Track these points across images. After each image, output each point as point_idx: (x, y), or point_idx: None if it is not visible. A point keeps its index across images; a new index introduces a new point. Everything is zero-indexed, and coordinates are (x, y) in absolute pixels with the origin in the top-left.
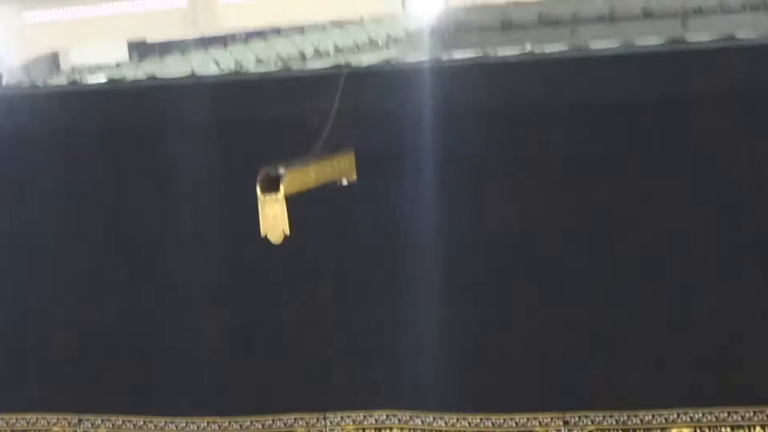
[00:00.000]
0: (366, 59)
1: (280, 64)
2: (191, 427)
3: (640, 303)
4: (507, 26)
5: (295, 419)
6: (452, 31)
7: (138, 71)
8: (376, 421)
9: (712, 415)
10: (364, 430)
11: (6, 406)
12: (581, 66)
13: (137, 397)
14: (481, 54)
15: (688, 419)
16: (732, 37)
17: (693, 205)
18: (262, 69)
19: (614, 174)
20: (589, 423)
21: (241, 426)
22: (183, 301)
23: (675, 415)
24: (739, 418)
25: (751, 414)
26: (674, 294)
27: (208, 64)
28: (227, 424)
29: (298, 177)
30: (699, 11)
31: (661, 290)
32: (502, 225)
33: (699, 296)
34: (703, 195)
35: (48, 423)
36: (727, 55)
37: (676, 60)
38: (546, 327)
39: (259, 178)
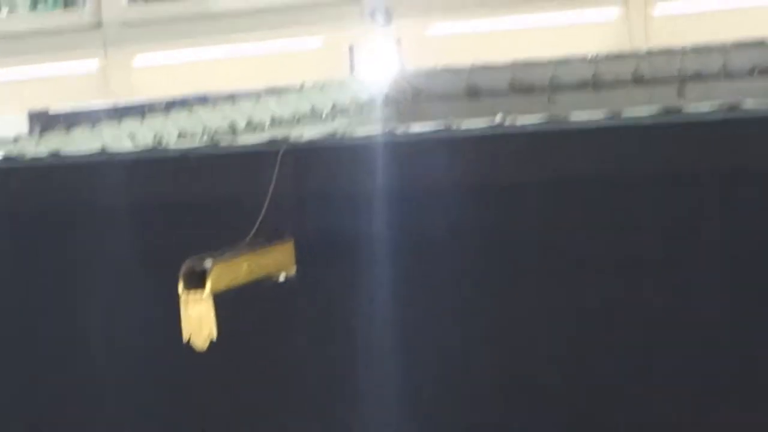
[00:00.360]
0: (307, 132)
1: (206, 138)
2: None
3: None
4: (473, 93)
5: None
6: (409, 99)
7: (40, 147)
8: None
9: None
10: None
11: None
12: (560, 140)
13: None
14: (443, 126)
15: None
16: (736, 107)
17: (687, 291)
18: (185, 144)
19: (598, 258)
20: None
21: None
22: (90, 412)
23: None
24: None
25: None
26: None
27: (122, 139)
28: None
29: (227, 271)
30: (698, 76)
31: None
32: (468, 318)
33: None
34: (698, 281)
35: None
36: (731, 128)
37: (671, 133)
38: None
39: (182, 272)
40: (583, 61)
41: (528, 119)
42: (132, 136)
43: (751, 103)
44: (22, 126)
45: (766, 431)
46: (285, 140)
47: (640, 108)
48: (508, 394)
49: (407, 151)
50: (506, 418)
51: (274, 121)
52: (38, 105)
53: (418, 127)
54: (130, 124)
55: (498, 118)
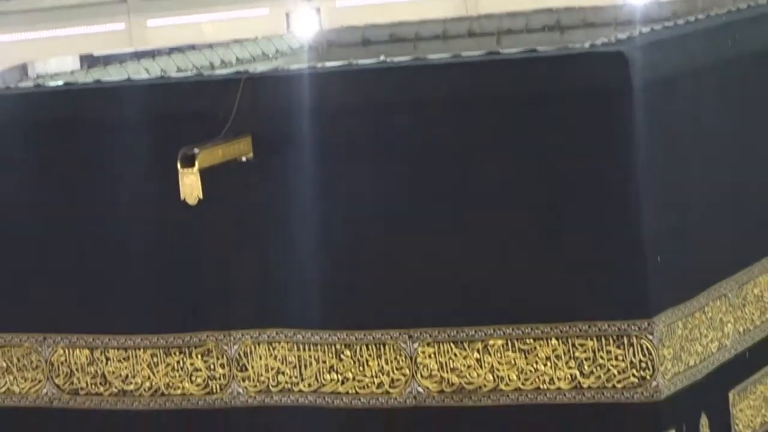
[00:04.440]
0: (260, 68)
1: (194, 71)
2: (128, 342)
3: (463, 250)
4: (366, 43)
5: (207, 336)
6: (325, 46)
7: (87, 77)
8: (268, 336)
9: (519, 330)
10: (259, 343)
11: None
12: (421, 72)
13: (88, 319)
14: (346, 63)
15: (501, 333)
16: (534, 50)
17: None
18: (181, 75)
19: (449, 157)
20: (428, 336)
21: (166, 341)
22: (122, 248)
23: (491, 331)
24: (539, 332)
25: (548, 329)
26: (488, 247)
27: (140, 72)
28: (156, 339)
29: (208, 155)
30: (509, 31)
31: (468, 240)
32: (363, 192)
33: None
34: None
35: (20, 340)
36: (531, 63)
37: (492, 67)
38: (395, 267)
39: (179, 155)
40: (436, 21)
41: (401, 59)
42: (146, 70)
43: (542, 49)
44: (75, 64)
45: None
46: (246, 72)
47: (473, 51)
48: (390, 239)
49: (324, 80)
50: (384, 256)
51: (238, 61)
52: (86, 51)
53: (330, 64)
54: (145, 63)
55: (381, 58)
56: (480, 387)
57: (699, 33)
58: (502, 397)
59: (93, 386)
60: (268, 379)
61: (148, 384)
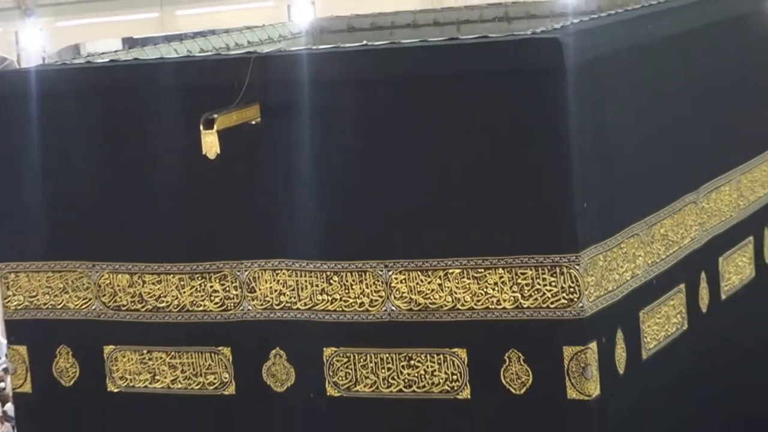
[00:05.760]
0: (267, 49)
1: (214, 52)
2: (161, 269)
3: (429, 198)
4: (351, 30)
5: (223, 264)
6: (318, 32)
7: (128, 56)
8: (272, 265)
9: (472, 261)
10: (265, 271)
11: (49, 255)
12: (396, 53)
13: (129, 250)
14: (335, 46)
15: (458, 264)
16: (486, 37)
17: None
18: (203, 55)
19: (418, 122)
20: (400, 266)
21: (191, 268)
22: (156, 193)
23: (451, 262)
24: (489, 263)
25: (496, 261)
26: (439, 194)
27: (170, 52)
28: (182, 267)
29: (225, 119)
30: (467, 21)
31: (433, 190)
32: (349, 149)
33: (455, 193)
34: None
35: (74, 266)
36: (484, 47)
37: (453, 50)
38: (375, 210)
39: (201, 119)
40: (407, 13)
41: (379, 43)
42: (176, 51)
43: (493, 35)
44: (118, 45)
45: None
46: (255, 53)
47: (437, 37)
48: (371, 184)
49: (318, 59)
50: (368, 203)
51: (250, 43)
52: (127, 34)
53: (323, 47)
54: (175, 45)
55: (364, 42)
56: (441, 306)
57: (620, 23)
58: (459, 315)
59: (132, 304)
60: (272, 299)
61: (176, 302)
